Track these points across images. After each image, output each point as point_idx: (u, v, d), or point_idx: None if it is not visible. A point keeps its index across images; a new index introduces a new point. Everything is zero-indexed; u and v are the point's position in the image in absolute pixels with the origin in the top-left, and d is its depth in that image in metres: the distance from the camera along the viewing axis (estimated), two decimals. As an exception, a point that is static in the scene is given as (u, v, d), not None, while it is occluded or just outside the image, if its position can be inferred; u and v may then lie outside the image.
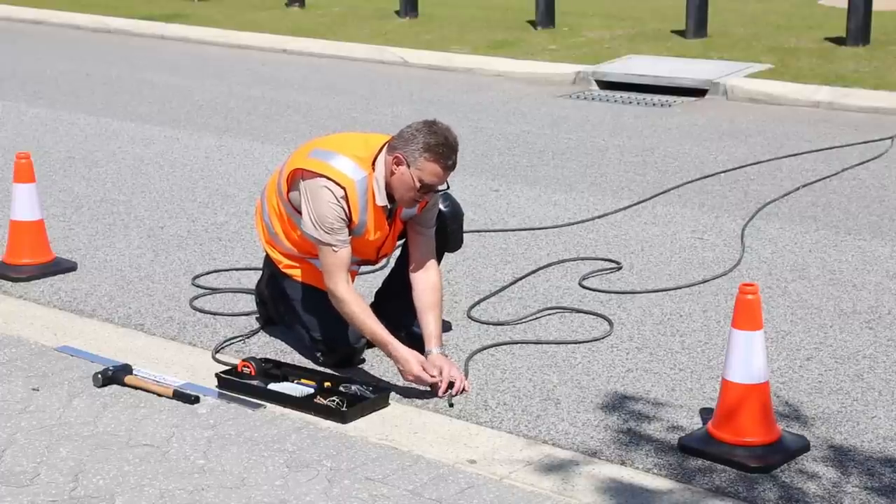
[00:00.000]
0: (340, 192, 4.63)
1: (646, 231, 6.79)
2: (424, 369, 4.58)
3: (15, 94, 10.97)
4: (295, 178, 4.75)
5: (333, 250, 4.67)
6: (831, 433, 4.34)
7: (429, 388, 4.63)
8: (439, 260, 5.03)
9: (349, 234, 4.70)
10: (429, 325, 4.75)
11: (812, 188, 7.61)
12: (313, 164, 4.69)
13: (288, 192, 4.81)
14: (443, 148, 4.56)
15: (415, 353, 4.64)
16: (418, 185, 4.58)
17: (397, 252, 5.11)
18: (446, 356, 4.72)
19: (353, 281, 5.05)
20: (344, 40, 13.44)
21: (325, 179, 4.63)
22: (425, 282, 4.82)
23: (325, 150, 4.74)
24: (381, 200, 4.68)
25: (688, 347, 5.14)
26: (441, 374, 4.60)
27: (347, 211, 4.65)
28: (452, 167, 4.62)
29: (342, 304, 4.70)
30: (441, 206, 4.96)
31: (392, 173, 4.62)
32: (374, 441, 4.26)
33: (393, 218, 4.81)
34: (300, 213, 4.73)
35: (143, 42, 14.29)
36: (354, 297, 4.71)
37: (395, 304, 5.03)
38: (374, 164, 4.68)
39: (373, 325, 4.67)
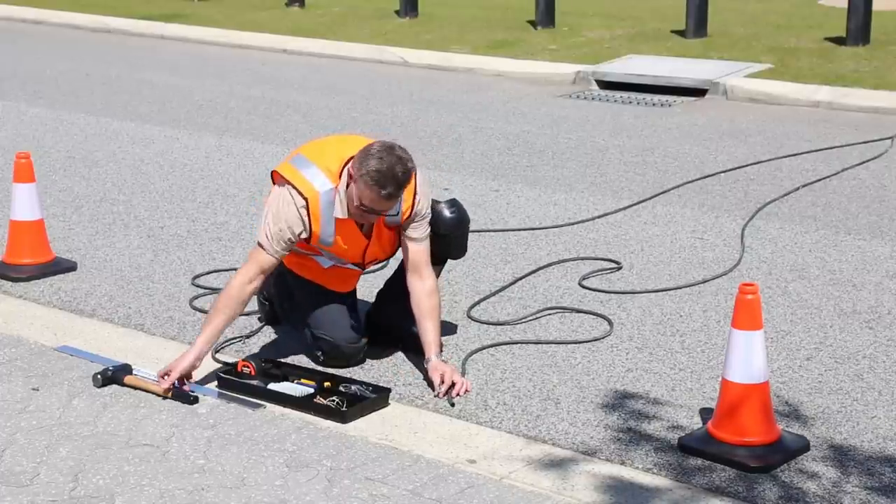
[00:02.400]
0: (301, 202, 4.66)
1: (646, 231, 6.79)
2: (174, 380, 4.58)
3: (15, 94, 10.97)
4: (274, 180, 4.81)
5: (263, 251, 4.70)
6: (831, 433, 4.34)
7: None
8: (443, 266, 5.04)
9: (288, 251, 4.73)
10: (427, 333, 4.77)
11: (812, 188, 7.61)
12: (288, 170, 4.75)
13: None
14: (380, 176, 4.52)
15: (191, 366, 4.62)
16: (356, 202, 4.60)
17: (400, 254, 5.10)
18: (445, 362, 4.74)
19: (356, 281, 5.06)
20: (344, 40, 13.44)
21: (290, 187, 4.69)
22: (421, 289, 4.83)
23: (303, 159, 4.78)
24: (341, 214, 4.70)
25: (688, 347, 5.14)
26: (442, 379, 4.62)
27: (308, 221, 4.67)
28: (389, 198, 4.56)
29: (227, 289, 4.72)
30: (447, 213, 4.98)
31: (346, 186, 4.65)
32: (374, 441, 4.26)
33: (370, 228, 4.81)
34: None
35: (143, 42, 14.29)
36: (238, 295, 4.69)
37: (395, 306, 5.02)
38: (340, 175, 4.70)
39: (216, 322, 4.67)
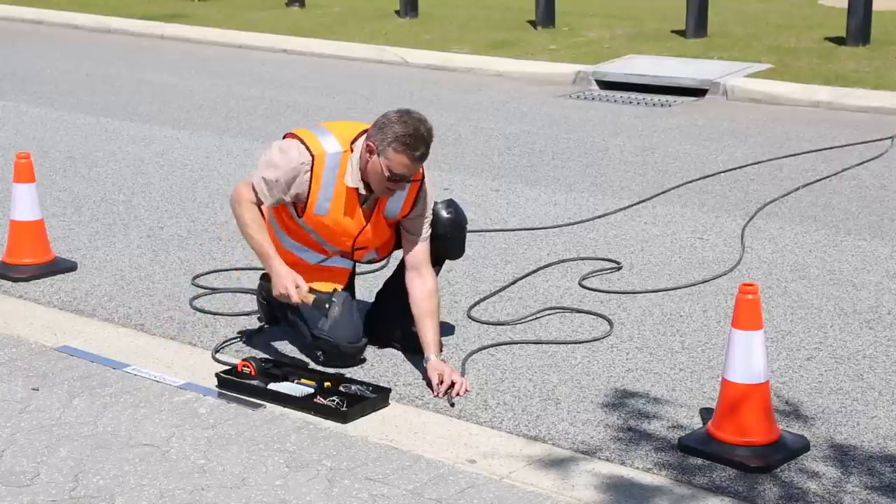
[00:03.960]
0: (307, 158, 4.68)
1: (646, 231, 6.79)
2: (298, 287, 4.71)
3: (15, 94, 10.96)
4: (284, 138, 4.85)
5: (256, 192, 4.71)
6: (831, 433, 4.34)
7: (298, 302, 4.76)
8: (440, 267, 5.04)
9: (280, 202, 4.77)
10: (426, 332, 4.76)
11: (812, 188, 7.61)
12: (301, 130, 4.81)
13: None
14: (411, 139, 4.58)
15: (293, 273, 4.72)
16: (387, 174, 4.62)
17: (399, 254, 5.10)
18: (444, 361, 4.73)
19: (349, 278, 5.05)
20: (344, 40, 13.44)
21: (300, 144, 4.71)
22: (421, 288, 4.83)
23: (318, 125, 4.86)
24: (352, 182, 4.71)
25: (688, 347, 5.14)
26: (441, 379, 4.62)
27: (308, 180, 4.68)
28: (421, 159, 4.63)
29: (240, 211, 4.75)
30: (444, 213, 4.97)
31: (366, 161, 4.66)
32: (374, 441, 4.26)
33: (371, 208, 4.81)
34: None
35: (143, 42, 14.29)
36: (254, 210, 4.75)
37: (395, 304, 5.02)
38: (353, 144, 4.71)
39: (260, 240, 4.74)
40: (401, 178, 4.64)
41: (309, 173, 4.68)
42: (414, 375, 4.83)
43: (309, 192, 4.71)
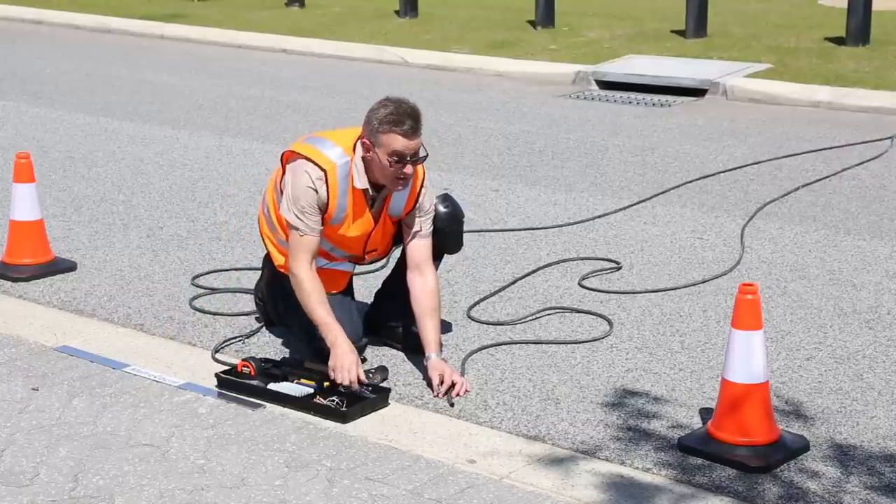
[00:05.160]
0: (319, 174, 4.66)
1: (646, 231, 6.79)
2: (357, 374, 4.57)
3: (15, 94, 10.96)
4: (287, 160, 4.81)
5: (300, 234, 4.70)
6: (831, 433, 4.34)
7: (360, 388, 4.59)
8: (439, 262, 5.04)
9: (321, 223, 4.73)
10: (427, 331, 4.76)
11: (812, 188, 7.61)
12: (303, 147, 4.77)
13: (283, 175, 4.84)
14: (394, 116, 4.58)
15: (355, 353, 4.62)
16: (387, 160, 4.60)
17: (397, 253, 5.11)
18: (445, 360, 4.73)
19: (349, 280, 5.05)
20: (344, 40, 13.44)
21: (307, 162, 4.69)
22: (422, 286, 4.82)
23: (318, 138, 4.83)
24: (360, 183, 4.71)
25: (688, 347, 5.14)
26: (441, 379, 4.62)
27: (326, 194, 4.67)
28: (412, 131, 4.60)
29: (298, 285, 4.73)
30: (440, 208, 4.97)
31: (369, 159, 4.67)
32: (374, 441, 4.26)
33: (380, 209, 4.81)
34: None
35: (143, 42, 14.29)
36: (312, 279, 4.73)
37: (395, 304, 5.02)
38: (354, 148, 4.72)
39: (323, 314, 4.68)
40: (402, 158, 4.61)
41: (325, 187, 4.67)
42: (414, 375, 4.83)
43: (327, 204, 4.71)
